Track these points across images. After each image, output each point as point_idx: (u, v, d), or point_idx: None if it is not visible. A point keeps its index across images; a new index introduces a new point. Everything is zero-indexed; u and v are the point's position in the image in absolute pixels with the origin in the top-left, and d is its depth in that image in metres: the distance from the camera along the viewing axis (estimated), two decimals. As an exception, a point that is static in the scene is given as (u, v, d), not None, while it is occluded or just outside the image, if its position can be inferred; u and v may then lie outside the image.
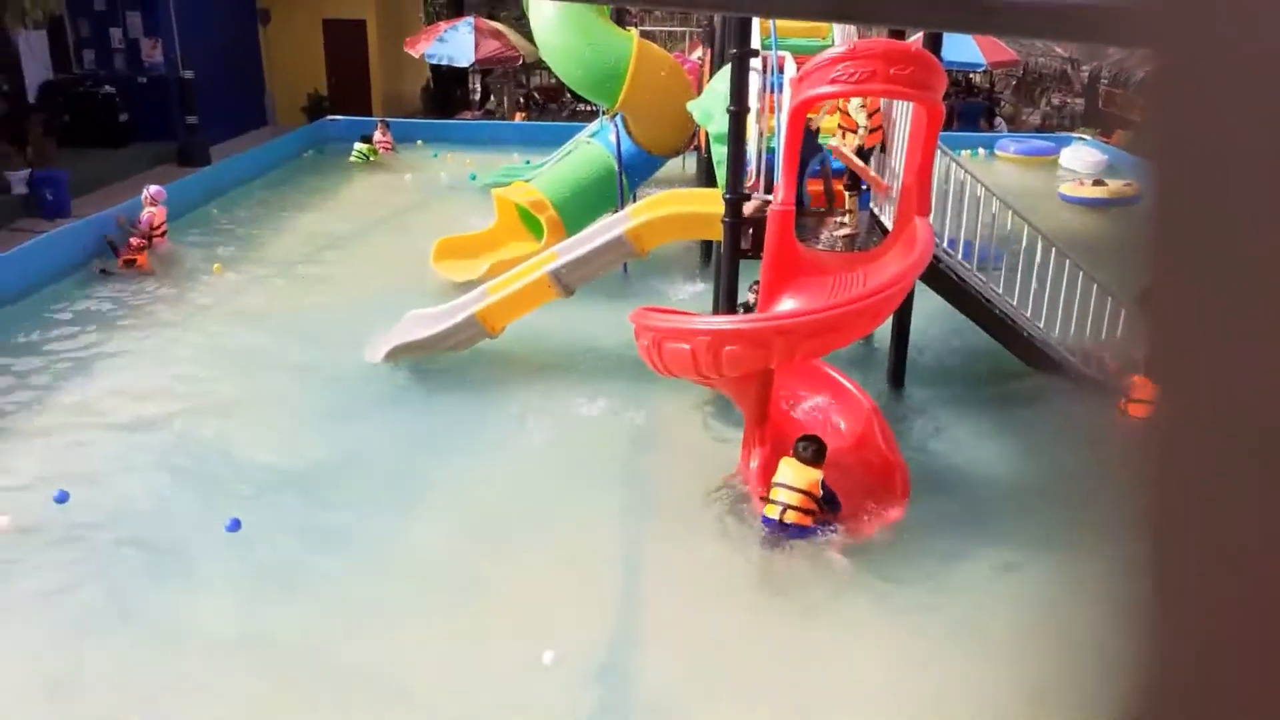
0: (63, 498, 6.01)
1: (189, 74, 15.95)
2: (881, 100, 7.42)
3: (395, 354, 8.25)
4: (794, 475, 5.73)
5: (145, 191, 11.22)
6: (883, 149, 7.83)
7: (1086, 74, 23.58)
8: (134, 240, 10.83)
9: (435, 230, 11.47)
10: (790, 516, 5.69)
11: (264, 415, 7.45)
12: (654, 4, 8.63)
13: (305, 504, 6.23)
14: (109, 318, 9.41)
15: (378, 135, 17.84)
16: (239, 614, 5.16)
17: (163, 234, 11.15)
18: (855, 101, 7.56)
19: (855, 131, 7.57)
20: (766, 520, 5.77)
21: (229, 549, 5.68)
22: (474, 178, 15.77)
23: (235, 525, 5.82)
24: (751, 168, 7.42)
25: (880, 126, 7.68)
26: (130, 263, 10.64)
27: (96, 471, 6.49)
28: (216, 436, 7.06)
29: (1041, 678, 4.62)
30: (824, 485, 5.72)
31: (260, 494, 6.31)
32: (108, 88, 15.44)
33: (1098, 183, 15.64)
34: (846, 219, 7.66)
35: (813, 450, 5.77)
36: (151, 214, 11.01)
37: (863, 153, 7.70)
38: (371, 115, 20.63)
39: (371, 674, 4.75)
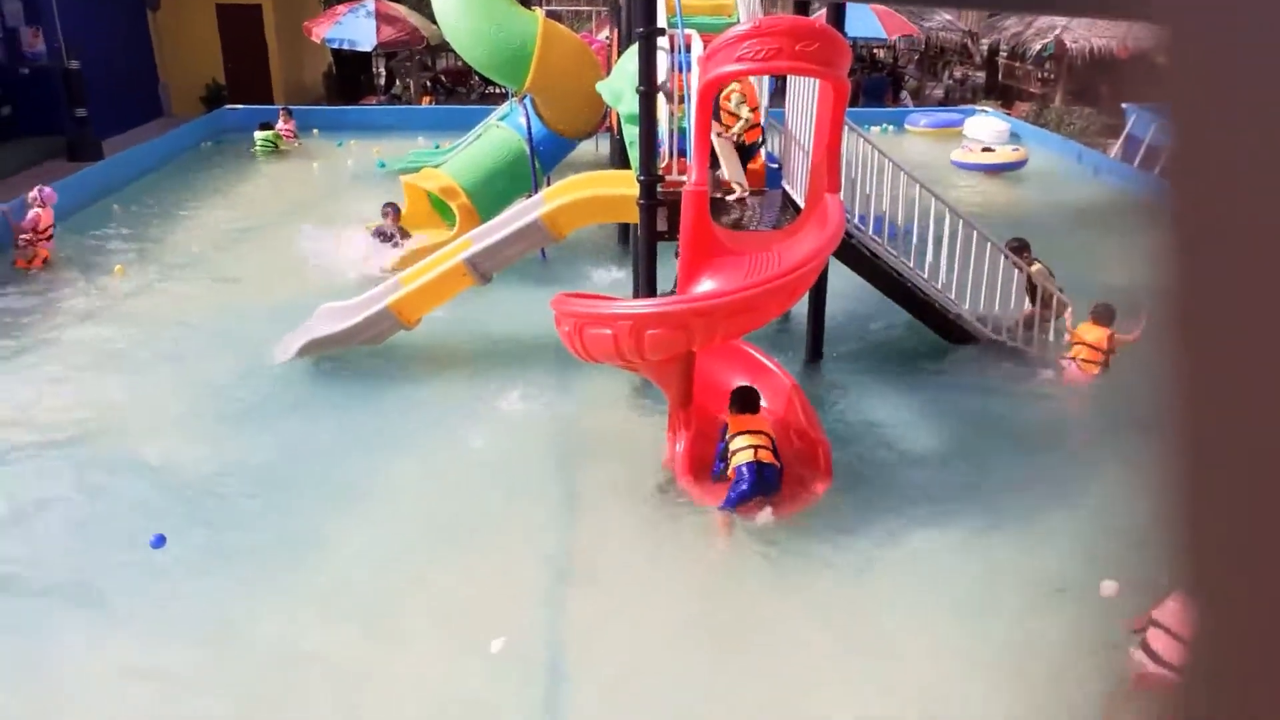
0: (159, 542, 5.57)
1: (75, 64, 15.24)
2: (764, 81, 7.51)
3: (307, 350, 8.03)
4: (748, 426, 5.95)
5: (35, 191, 10.68)
6: (761, 143, 7.95)
7: (986, 47, 24.13)
8: (21, 239, 10.35)
9: (344, 220, 11.20)
10: (764, 456, 5.84)
11: (172, 424, 7.15)
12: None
13: (221, 514, 6.01)
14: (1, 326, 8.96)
15: (280, 124, 17.32)
16: (156, 642, 4.97)
17: (49, 237, 10.62)
18: (735, 96, 7.64)
19: (733, 126, 7.67)
20: (750, 468, 5.80)
21: (148, 571, 5.45)
22: (383, 165, 15.44)
23: (160, 541, 5.53)
24: (664, 148, 7.39)
25: (759, 123, 7.80)
26: (28, 262, 10.21)
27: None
28: (124, 449, 6.72)
29: (960, 661, 4.76)
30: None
31: (175, 507, 6.06)
32: (-14, 80, 14.70)
33: (986, 149, 16.48)
34: (735, 188, 7.75)
35: (747, 399, 6.09)
36: (38, 215, 10.49)
37: (743, 147, 7.75)
38: (273, 103, 20.03)
39: (297, 682, 4.63)
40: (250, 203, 13.86)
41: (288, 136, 17.27)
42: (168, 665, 4.71)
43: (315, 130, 18.26)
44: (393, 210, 11.00)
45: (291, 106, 18.58)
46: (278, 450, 6.78)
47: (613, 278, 10.31)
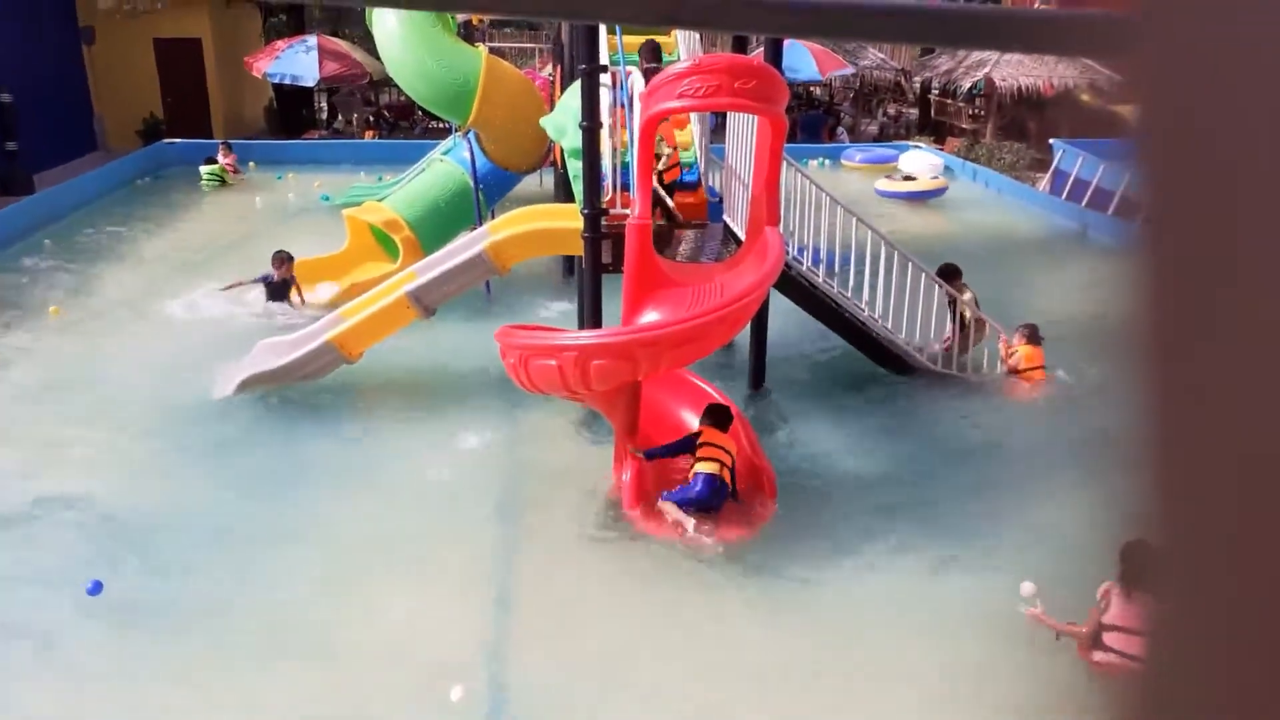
0: (95, 589, 5.33)
1: (6, 97, 14.97)
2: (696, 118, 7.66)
3: (248, 386, 7.94)
4: (719, 441, 6.14)
5: None
6: (682, 181, 8.10)
7: (919, 85, 24.82)
8: None
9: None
10: (724, 475, 6.04)
11: (109, 464, 7.02)
12: (483, 10, 8.60)
13: (155, 555, 5.88)
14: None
15: (220, 158, 17.19)
16: (78, 690, 4.85)
17: None
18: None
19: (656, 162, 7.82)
20: (708, 479, 5.96)
21: (82, 613, 5.31)
22: (327, 199, 15.36)
23: (97, 588, 5.31)
24: (608, 183, 7.50)
25: (678, 163, 7.98)
26: None
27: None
28: (59, 491, 6.54)
29: (915, 669, 4.86)
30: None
31: (108, 553, 5.92)
32: (-88, 113, 14.35)
33: (908, 178, 17.23)
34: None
35: (721, 415, 6.31)
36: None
37: (664, 184, 7.89)
38: (212, 137, 19.83)
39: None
40: (189, 237, 13.67)
41: (230, 170, 17.14)
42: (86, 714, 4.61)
43: (252, 164, 18.10)
44: (286, 259, 10.16)
45: (231, 141, 18.43)
46: (216, 488, 6.67)
47: (558, 310, 10.37)
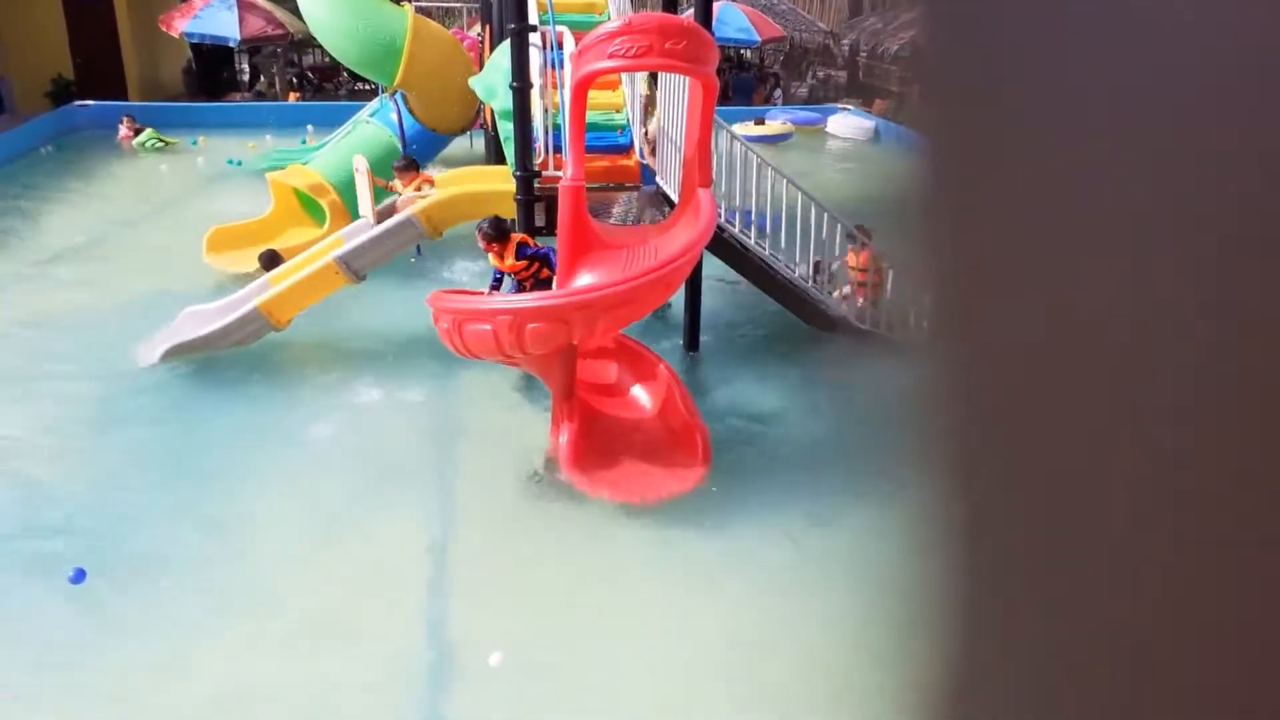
0: (79, 577, 5.10)
1: (-98, 57, 14.25)
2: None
3: (173, 354, 7.76)
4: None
5: None
6: (613, 144, 8.10)
7: (847, 47, 24.98)
8: None
9: (206, 220, 10.79)
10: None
11: (24, 438, 6.82)
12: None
13: (82, 535, 5.74)
14: None
15: (124, 128, 16.64)
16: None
17: None
18: None
19: None
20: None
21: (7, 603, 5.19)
22: (237, 163, 14.96)
23: (80, 575, 5.08)
24: (539, 144, 7.44)
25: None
26: None
27: None
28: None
29: (840, 635, 4.99)
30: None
31: (25, 534, 5.78)
32: None
33: (759, 122, 18.25)
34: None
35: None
36: None
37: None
38: (127, 99, 19.11)
39: (168, 704, 4.50)
40: (104, 202, 13.21)
41: (125, 141, 16.63)
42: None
43: (148, 129, 17.24)
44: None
45: (150, 104, 17.83)
46: (143, 458, 6.53)
47: (490, 274, 10.27)
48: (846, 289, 8.49)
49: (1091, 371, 0.43)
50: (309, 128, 16.90)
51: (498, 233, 6.76)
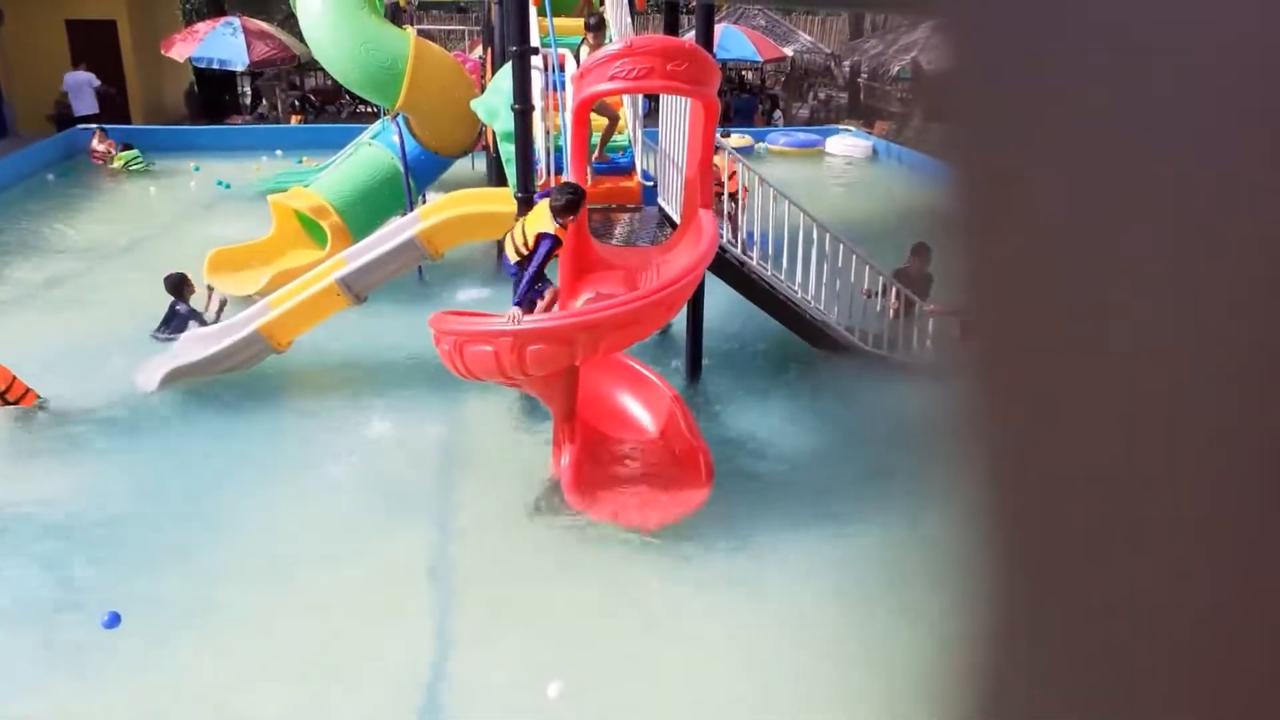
0: (113, 621, 4.98)
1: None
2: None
3: (173, 378, 7.72)
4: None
5: None
6: (613, 166, 8.13)
7: (848, 69, 25.08)
8: None
9: (207, 243, 10.79)
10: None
11: (30, 462, 6.78)
12: None
13: (75, 563, 5.66)
14: None
15: (96, 144, 16.72)
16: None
17: None
18: None
19: None
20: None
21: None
22: (226, 185, 15.01)
23: (114, 620, 4.95)
24: (541, 166, 7.44)
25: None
26: None
27: None
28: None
29: (856, 652, 4.93)
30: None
31: (28, 550, 5.73)
32: None
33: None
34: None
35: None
36: None
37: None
38: (130, 123, 19.18)
39: None
40: (107, 226, 13.21)
41: (96, 159, 16.71)
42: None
43: (132, 149, 17.04)
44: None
45: (152, 127, 17.91)
46: (142, 485, 6.48)
47: (492, 296, 10.26)
48: (894, 301, 8.49)
49: (1131, 379, 0.43)
50: (302, 159, 16.78)
51: (568, 205, 5.73)
